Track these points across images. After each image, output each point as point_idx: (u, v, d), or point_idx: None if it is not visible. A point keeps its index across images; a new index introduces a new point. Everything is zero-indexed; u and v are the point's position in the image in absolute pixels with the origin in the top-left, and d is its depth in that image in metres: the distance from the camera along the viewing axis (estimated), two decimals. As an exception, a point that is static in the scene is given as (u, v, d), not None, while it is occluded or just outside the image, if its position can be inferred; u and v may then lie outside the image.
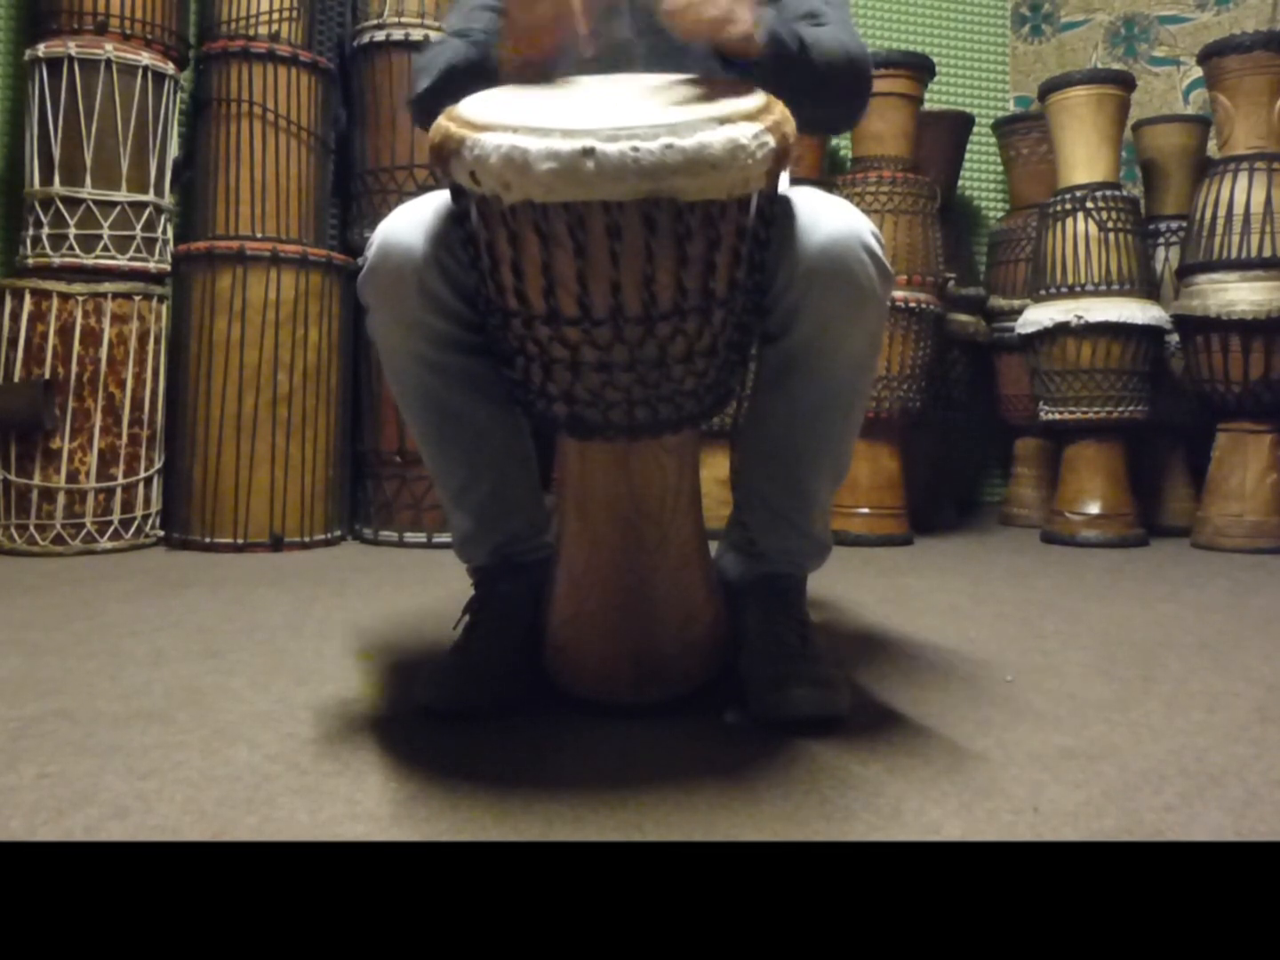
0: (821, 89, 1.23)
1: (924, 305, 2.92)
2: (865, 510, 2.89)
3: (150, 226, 2.72)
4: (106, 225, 2.64)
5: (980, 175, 3.99)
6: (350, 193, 3.06)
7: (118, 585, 2.12)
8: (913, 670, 1.45)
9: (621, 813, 0.93)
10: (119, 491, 2.61)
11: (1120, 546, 2.92)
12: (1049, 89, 3.09)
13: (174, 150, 2.85)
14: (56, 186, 2.62)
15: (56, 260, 2.61)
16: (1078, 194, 3.03)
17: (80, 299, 2.56)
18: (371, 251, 1.17)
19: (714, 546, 1.34)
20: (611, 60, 1.28)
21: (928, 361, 2.98)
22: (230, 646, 1.55)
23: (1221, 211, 2.89)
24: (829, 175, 3.41)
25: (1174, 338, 3.10)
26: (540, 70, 1.18)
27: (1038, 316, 3.07)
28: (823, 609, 1.85)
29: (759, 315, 1.17)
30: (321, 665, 1.44)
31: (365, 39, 2.95)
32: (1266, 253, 2.83)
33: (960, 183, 3.77)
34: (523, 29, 1.16)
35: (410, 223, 1.16)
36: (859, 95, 1.30)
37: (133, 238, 2.68)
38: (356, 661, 1.47)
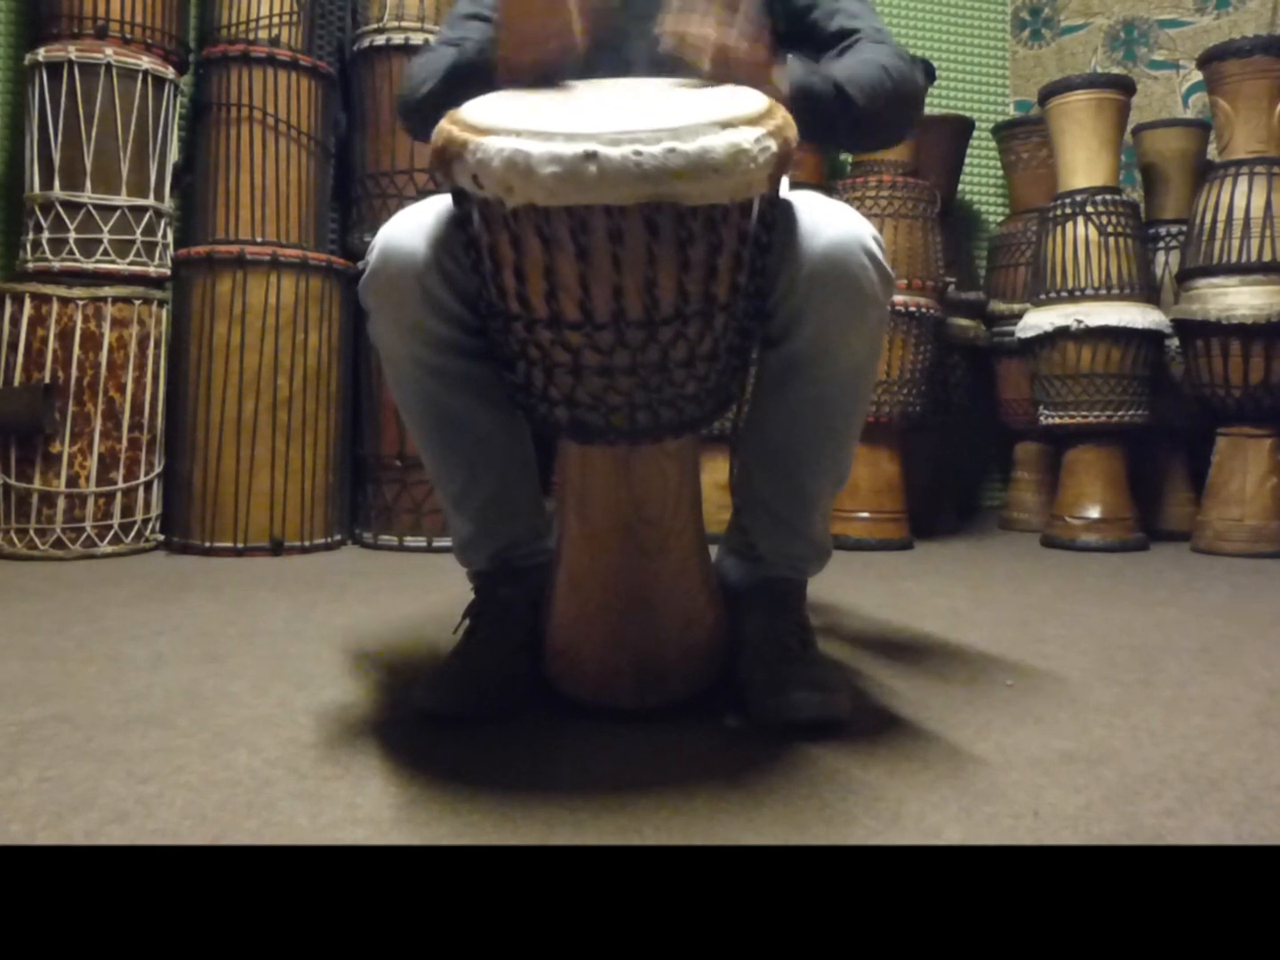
0: (869, 122, 1.26)
1: (924, 310, 2.92)
2: (865, 514, 2.89)
3: (150, 231, 2.73)
4: (106, 229, 2.64)
5: (980, 179, 3.99)
6: (350, 197, 3.06)
7: (118, 589, 2.12)
8: (913, 674, 1.45)
9: (621, 816, 0.92)
10: (119, 496, 2.61)
11: (1120, 551, 2.92)
12: (1049, 93, 3.10)
13: (174, 154, 2.85)
14: (57, 191, 2.63)
15: (56, 264, 2.62)
16: (1078, 198, 3.04)
17: (80, 303, 2.56)
18: (373, 256, 1.18)
19: (714, 550, 1.34)
20: (612, 65, 1.28)
21: (928, 366, 2.98)
22: (230, 650, 1.55)
23: (1221, 216, 2.90)
24: (829, 179, 3.41)
25: (1174, 342, 3.10)
26: (538, 76, 1.19)
27: (1038, 321, 3.08)
28: (823, 613, 1.85)
29: (760, 320, 1.17)
30: (322, 669, 1.44)
31: (365, 43, 2.96)
32: (1266, 257, 2.84)
33: (960, 187, 3.78)
34: (519, 34, 1.16)
35: (411, 227, 1.16)
36: (910, 112, 1.34)
37: (133, 242, 2.68)
38: (357, 665, 1.47)
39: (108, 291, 2.60)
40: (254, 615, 1.85)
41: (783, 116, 1.01)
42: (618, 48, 1.30)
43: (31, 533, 2.52)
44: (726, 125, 0.95)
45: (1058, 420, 3.09)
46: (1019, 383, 3.43)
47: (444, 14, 2.79)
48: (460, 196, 1.04)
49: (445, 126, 1.00)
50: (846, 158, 3.56)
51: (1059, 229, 3.07)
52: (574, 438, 1.11)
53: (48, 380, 2.54)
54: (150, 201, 2.73)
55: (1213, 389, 2.92)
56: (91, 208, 2.63)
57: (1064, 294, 3.05)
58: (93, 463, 2.57)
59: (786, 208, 1.15)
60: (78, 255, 2.62)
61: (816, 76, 1.21)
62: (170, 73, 2.78)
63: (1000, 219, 3.87)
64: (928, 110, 3.43)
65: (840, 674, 1.41)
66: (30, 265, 2.64)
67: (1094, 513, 2.99)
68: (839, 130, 1.27)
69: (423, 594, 2.10)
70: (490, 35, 1.25)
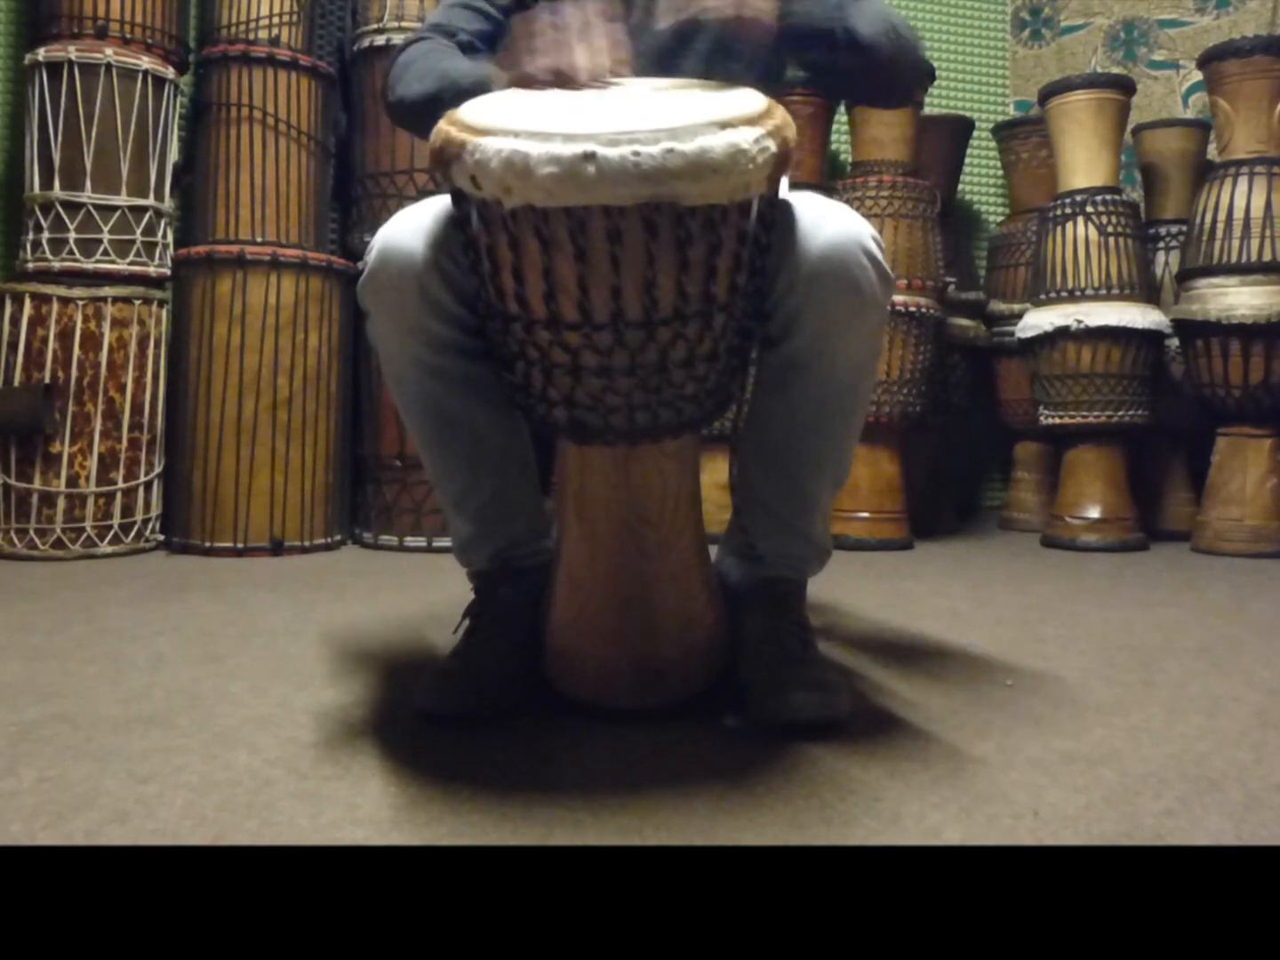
0: (873, 63, 1.25)
1: (924, 310, 2.92)
2: (865, 514, 2.89)
3: (150, 231, 2.73)
4: (106, 230, 2.64)
5: (980, 179, 3.99)
6: (350, 197, 3.06)
7: (118, 590, 2.12)
8: (913, 674, 1.45)
9: (621, 817, 0.92)
10: (119, 496, 2.61)
11: (1120, 551, 2.92)
12: (1049, 93, 3.10)
13: (174, 154, 2.85)
14: (57, 191, 2.63)
15: (57, 265, 2.62)
16: (1078, 198, 3.04)
17: (80, 303, 2.56)
18: (372, 256, 1.17)
19: (714, 551, 1.34)
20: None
21: (928, 366, 2.98)
22: (230, 651, 1.55)
23: (1221, 216, 2.90)
24: (829, 180, 3.41)
25: (1174, 342, 3.10)
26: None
27: (1038, 321, 3.08)
28: (823, 613, 1.85)
29: (759, 320, 1.17)
30: (322, 669, 1.44)
31: (365, 43, 2.96)
32: (1266, 257, 2.84)
33: (960, 187, 3.78)
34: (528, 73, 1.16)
35: (411, 227, 1.16)
36: (911, 71, 1.33)
37: (133, 242, 2.68)
38: (357, 665, 1.47)
39: (108, 291, 2.60)
40: (254, 615, 1.85)
41: (782, 116, 1.01)
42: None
43: (31, 533, 2.52)
44: (725, 125, 0.95)
45: (1058, 420, 3.09)
46: (1019, 383, 3.43)
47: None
48: (459, 197, 1.04)
49: (443, 127, 1.00)
50: (846, 158, 3.56)
51: (1059, 229, 3.07)
52: (573, 438, 1.11)
53: (48, 380, 2.54)
54: (150, 201, 2.73)
55: (1213, 389, 2.92)
56: (91, 208, 2.63)
57: (1064, 294, 3.05)
58: (93, 463, 2.57)
59: (786, 208, 1.15)
60: (78, 255, 2.62)
61: (819, 8, 1.22)
62: (170, 73, 2.78)
63: (1000, 219, 3.87)
64: (928, 110, 3.45)
65: (840, 674, 1.41)
66: (30, 265, 2.64)
67: (1094, 513, 2.99)
68: (843, 71, 1.27)
69: (423, 594, 2.10)
70: (478, 32, 1.32)
